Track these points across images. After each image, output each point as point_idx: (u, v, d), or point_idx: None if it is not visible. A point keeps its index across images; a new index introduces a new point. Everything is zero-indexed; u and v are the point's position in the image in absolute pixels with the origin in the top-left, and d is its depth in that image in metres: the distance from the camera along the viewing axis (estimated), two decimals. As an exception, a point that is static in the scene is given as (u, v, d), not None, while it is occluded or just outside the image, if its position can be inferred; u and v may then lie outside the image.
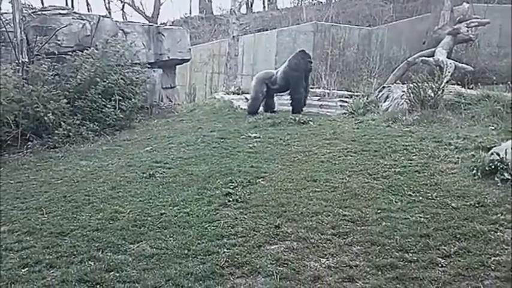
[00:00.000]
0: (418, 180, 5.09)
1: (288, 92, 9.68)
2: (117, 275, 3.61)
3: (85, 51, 9.43)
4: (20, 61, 8.62)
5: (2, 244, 4.04)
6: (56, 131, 7.75)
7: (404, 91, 8.26)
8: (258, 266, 3.72)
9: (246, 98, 10.79)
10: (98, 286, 3.45)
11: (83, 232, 4.32)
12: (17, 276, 3.53)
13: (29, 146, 7.42)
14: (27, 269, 3.67)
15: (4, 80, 7.72)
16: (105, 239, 4.19)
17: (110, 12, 24.53)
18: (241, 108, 10.27)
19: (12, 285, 3.42)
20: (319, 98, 10.69)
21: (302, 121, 8.41)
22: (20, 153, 7.19)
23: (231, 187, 5.42)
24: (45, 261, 3.77)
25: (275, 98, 10.08)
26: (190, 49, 12.97)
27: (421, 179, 5.11)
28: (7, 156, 7.01)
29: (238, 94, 11.78)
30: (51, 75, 8.62)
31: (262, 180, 5.66)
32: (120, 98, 9.15)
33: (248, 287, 3.49)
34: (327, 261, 3.68)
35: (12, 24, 8.92)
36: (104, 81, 8.96)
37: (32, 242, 4.13)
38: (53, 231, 4.34)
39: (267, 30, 18.37)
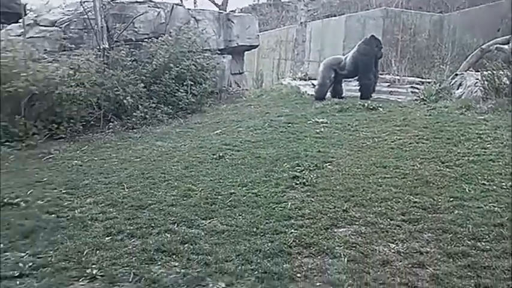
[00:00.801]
0: (492, 169, 4.94)
1: (357, 77, 9.58)
2: (191, 247, 3.82)
3: (160, 38, 9.82)
4: (101, 47, 9.15)
5: (88, 214, 4.38)
6: (134, 113, 8.18)
7: (478, 79, 7.97)
8: (325, 248, 3.79)
9: (312, 84, 10.76)
10: (173, 256, 3.67)
11: (159, 206, 4.60)
12: (101, 244, 3.82)
13: (110, 127, 7.89)
14: (110, 237, 3.96)
15: (87, 64, 8.22)
16: (179, 213, 4.43)
17: (182, 1, 25.13)
18: (308, 94, 10.26)
19: (97, 251, 3.70)
20: (388, 84, 10.49)
21: (371, 107, 8.31)
22: (103, 133, 7.66)
23: (298, 170, 5.51)
24: (127, 231, 4.06)
25: (343, 84, 10.01)
26: (258, 35, 13.10)
27: (495, 168, 4.96)
28: (91, 135, 7.49)
29: (305, 80, 11.76)
30: (129, 60, 9.07)
31: (329, 165, 5.70)
32: (192, 83, 9.47)
33: (316, 266, 3.57)
34: (397, 247, 3.68)
35: (93, 12, 9.45)
36: (177, 67, 9.30)
37: (115, 213, 4.44)
38: (133, 204, 4.65)
39: (335, 16, 18.11)
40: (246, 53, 13.28)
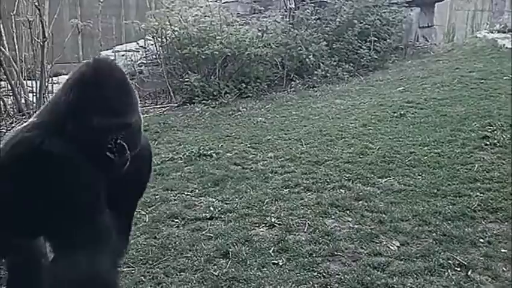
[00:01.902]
0: None
1: None
2: (366, 204, 3.84)
3: (344, -7, 9.64)
4: (288, 7, 9.42)
5: (269, 167, 4.69)
6: (315, 72, 8.30)
7: None
8: (515, 214, 3.48)
9: None
10: (347, 211, 3.74)
11: (335, 163, 4.67)
12: (279, 195, 4.08)
13: (292, 85, 8.16)
14: (288, 189, 4.20)
15: (274, 25, 8.56)
16: (355, 171, 4.45)
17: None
18: (507, 48, 9.20)
19: (276, 202, 3.97)
20: None
21: None
22: (285, 92, 7.98)
23: (489, 130, 5.06)
24: (303, 185, 4.24)
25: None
26: (451, -16, 11.97)
27: None
28: (274, 94, 7.87)
29: (504, 32, 10.53)
30: (313, 19, 9.14)
31: (527, 125, 5.10)
32: (376, 38, 9.16)
33: (502, 232, 3.30)
34: None
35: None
36: (361, 23, 9.07)
37: (293, 167, 4.66)
38: (310, 160, 4.81)
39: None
40: (437, 4, 12.28)
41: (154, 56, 8.51)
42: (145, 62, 8.48)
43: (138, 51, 8.65)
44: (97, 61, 2.03)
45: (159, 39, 8.16)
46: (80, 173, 1.93)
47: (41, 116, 2.09)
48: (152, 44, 8.48)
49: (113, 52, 8.52)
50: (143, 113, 7.30)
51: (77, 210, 1.94)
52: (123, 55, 8.36)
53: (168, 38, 8.13)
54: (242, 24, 8.40)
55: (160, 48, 8.24)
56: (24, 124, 2.12)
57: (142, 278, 2.98)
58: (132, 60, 8.13)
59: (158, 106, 7.72)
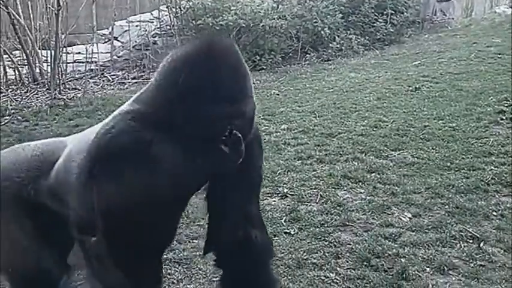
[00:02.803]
0: None
1: None
2: (378, 176, 3.83)
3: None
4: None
5: (282, 139, 4.69)
6: (330, 45, 8.22)
7: None
8: (529, 188, 3.45)
9: None
10: (359, 183, 3.74)
11: (348, 136, 4.66)
12: (292, 166, 4.08)
13: (307, 58, 8.10)
14: (300, 161, 4.20)
15: (289, -4, 8.47)
16: (368, 143, 4.43)
17: None
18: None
19: (288, 173, 3.98)
20: None
21: None
22: (299, 64, 7.93)
23: (505, 105, 5.02)
24: (316, 157, 4.23)
25: None
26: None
27: None
28: (289, 67, 7.83)
29: (525, 7, 10.32)
30: (330, -10, 9.00)
31: (545, 100, 5.03)
32: (393, 11, 9.02)
33: (515, 206, 3.28)
34: None
35: None
36: (378, -5, 8.93)
37: (306, 139, 4.65)
38: (323, 132, 4.80)
39: None
40: (455, -23, 12.00)
41: (168, 27, 8.46)
42: (159, 32, 8.44)
43: (152, 22, 8.60)
44: (210, 41, 1.78)
45: (173, 10, 8.10)
46: (181, 171, 1.72)
47: (140, 103, 1.80)
48: (166, 15, 8.42)
49: (127, 22, 8.49)
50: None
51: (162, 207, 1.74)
52: (137, 26, 8.33)
53: (182, 9, 8.07)
54: (257, -5, 8.32)
55: (175, 18, 8.19)
56: (121, 111, 1.84)
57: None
58: (146, 30, 8.09)
59: (172, 77, 7.70)
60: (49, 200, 1.99)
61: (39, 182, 1.98)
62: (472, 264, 2.72)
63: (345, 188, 3.69)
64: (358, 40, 8.49)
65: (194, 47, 1.74)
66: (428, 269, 2.67)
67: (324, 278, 2.62)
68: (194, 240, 3.06)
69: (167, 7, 8.19)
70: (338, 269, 2.70)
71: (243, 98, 1.72)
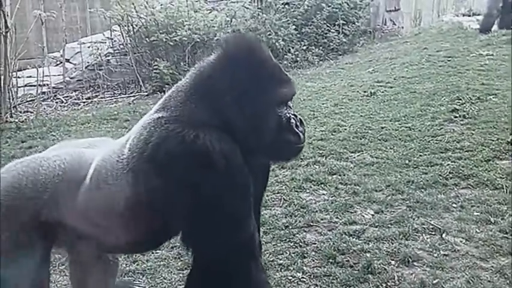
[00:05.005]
0: None
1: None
2: (339, 177, 3.85)
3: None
4: (255, -8, 9.34)
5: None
6: (285, 57, 8.29)
7: None
8: (485, 179, 3.55)
9: (477, 20, 9.94)
10: (322, 185, 3.74)
11: (308, 141, 4.59)
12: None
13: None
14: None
15: (243, 11, 8.51)
16: (328, 147, 4.45)
17: None
18: (472, 28, 9.52)
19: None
20: None
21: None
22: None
23: (458, 104, 5.15)
24: (277, 163, 4.21)
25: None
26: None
27: None
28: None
29: (469, 16, 10.90)
30: (282, 3, 9.11)
31: (493, 97, 5.22)
32: (344, 22, 9.19)
33: (474, 197, 3.35)
34: None
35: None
36: (329, 6, 9.08)
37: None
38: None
39: None
40: (402, -12, 12.43)
41: (121, 46, 8.35)
42: (112, 52, 8.31)
43: (105, 42, 8.46)
44: (241, 37, 1.95)
45: (126, 28, 8.00)
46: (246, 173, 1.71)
47: (175, 111, 1.82)
48: (119, 34, 8.31)
49: (78, 44, 8.33)
50: (111, 103, 7.21)
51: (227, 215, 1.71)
52: (89, 47, 8.17)
53: (134, 26, 7.99)
54: (210, 10, 8.32)
55: (128, 37, 8.09)
56: (158, 121, 1.81)
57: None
58: (98, 49, 7.94)
59: (127, 95, 7.58)
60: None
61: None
62: (435, 255, 2.74)
63: (308, 191, 3.68)
64: (313, 51, 8.61)
65: (231, 46, 1.80)
66: (393, 262, 2.68)
67: (291, 277, 2.58)
68: (157, 251, 2.96)
69: (119, 25, 8.08)
70: (304, 268, 2.66)
71: (289, 78, 1.82)
